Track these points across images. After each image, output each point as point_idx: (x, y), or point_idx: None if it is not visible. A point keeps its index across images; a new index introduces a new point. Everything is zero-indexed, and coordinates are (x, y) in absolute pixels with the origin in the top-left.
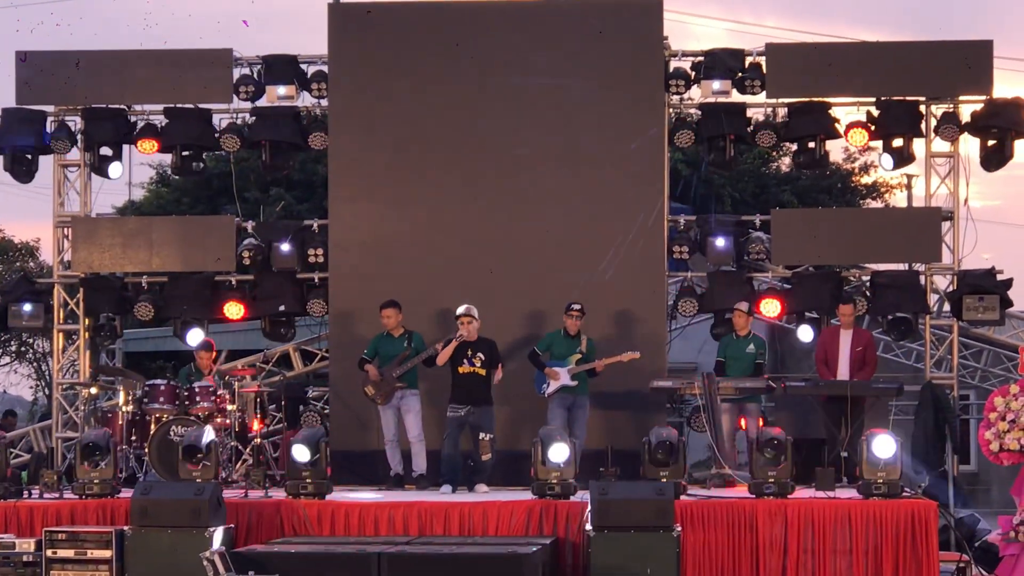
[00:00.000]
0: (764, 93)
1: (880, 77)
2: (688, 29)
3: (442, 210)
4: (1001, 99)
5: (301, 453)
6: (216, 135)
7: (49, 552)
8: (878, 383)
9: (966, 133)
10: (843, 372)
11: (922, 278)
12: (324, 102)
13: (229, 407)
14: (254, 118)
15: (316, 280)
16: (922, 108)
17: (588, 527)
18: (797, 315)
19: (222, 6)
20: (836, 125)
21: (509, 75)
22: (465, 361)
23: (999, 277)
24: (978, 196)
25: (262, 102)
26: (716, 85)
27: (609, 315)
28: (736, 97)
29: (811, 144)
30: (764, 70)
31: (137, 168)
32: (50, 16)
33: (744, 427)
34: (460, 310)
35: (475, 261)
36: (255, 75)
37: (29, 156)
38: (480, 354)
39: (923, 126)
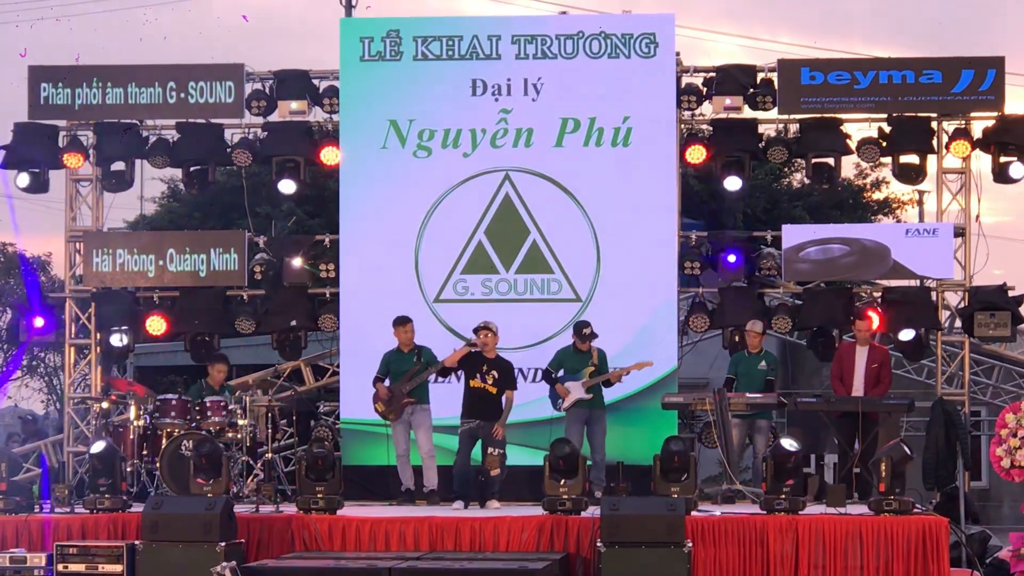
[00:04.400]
0: (776, 109)
1: (892, 93)
2: (701, 45)
3: (454, 226)
4: (1013, 115)
5: None
6: (228, 150)
7: (60, 566)
8: (889, 399)
9: (978, 150)
10: (858, 388)
11: (933, 294)
12: (336, 117)
13: (240, 422)
14: (266, 133)
15: (327, 295)
16: (934, 124)
17: (599, 543)
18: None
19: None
20: (848, 141)
21: (521, 90)
22: (478, 376)
23: (1011, 293)
24: (989, 212)
25: (274, 117)
26: (728, 101)
27: (621, 331)
28: (748, 113)
29: (815, 160)
30: (775, 86)
31: (148, 183)
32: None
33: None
34: (480, 323)
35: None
36: (267, 90)
37: (38, 170)
38: (494, 372)
39: (935, 142)
